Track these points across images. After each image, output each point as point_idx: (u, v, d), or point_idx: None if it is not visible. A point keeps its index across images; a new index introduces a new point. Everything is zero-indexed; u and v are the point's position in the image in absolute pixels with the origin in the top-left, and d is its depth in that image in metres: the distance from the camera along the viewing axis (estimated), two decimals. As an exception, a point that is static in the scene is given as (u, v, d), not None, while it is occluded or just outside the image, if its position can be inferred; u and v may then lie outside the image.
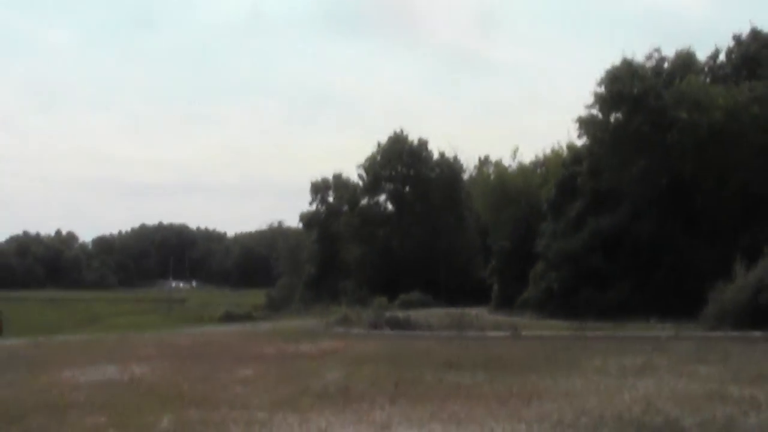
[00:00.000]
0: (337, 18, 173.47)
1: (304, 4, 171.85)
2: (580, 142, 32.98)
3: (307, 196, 58.29)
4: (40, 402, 10.15)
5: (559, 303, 28.77)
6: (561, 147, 37.90)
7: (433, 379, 11.75)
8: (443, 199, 53.01)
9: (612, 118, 29.94)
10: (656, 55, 30.50)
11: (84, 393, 10.97)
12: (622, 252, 28.29)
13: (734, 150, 27.36)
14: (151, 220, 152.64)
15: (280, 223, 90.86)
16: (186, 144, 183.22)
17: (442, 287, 46.56)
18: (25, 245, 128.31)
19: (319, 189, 58.01)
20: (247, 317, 40.25)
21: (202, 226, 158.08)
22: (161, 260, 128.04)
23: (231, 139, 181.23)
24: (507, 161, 45.73)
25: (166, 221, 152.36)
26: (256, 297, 59.47)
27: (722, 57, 32.27)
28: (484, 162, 53.54)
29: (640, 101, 28.43)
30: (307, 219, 58.87)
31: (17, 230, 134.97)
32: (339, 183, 57.40)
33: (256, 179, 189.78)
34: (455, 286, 46.27)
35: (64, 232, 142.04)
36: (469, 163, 55.96)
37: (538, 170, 40.78)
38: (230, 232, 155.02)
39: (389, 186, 54.88)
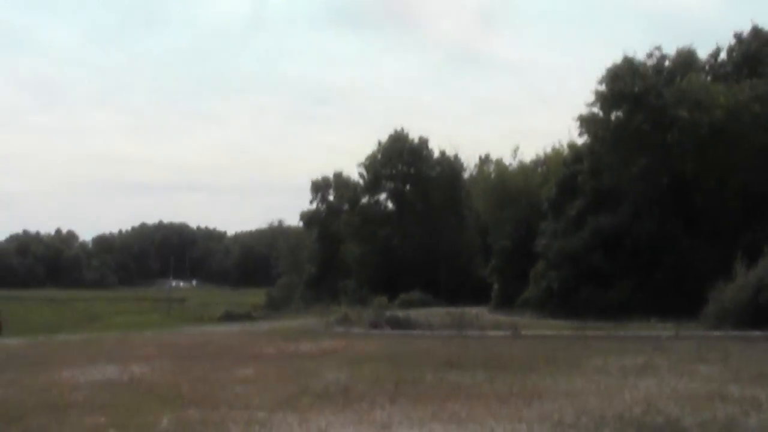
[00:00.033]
0: (339, 16, 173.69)
1: (306, 3, 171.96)
2: (580, 141, 32.99)
3: (308, 195, 58.34)
4: (39, 402, 10.13)
5: (560, 302, 28.75)
6: (562, 145, 37.90)
7: (434, 379, 11.73)
8: (444, 197, 52.96)
9: (613, 117, 29.90)
10: (657, 53, 30.51)
11: (84, 393, 10.95)
12: (623, 251, 28.26)
13: (735, 149, 27.33)
14: (152, 219, 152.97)
15: (280, 222, 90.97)
16: (187, 142, 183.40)
17: (442, 286, 46.53)
18: (25, 244, 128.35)
19: (319, 188, 57.98)
20: (247, 317, 40.25)
21: (203, 225, 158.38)
22: (161, 259, 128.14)
23: (232, 138, 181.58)
24: (507, 160, 45.72)
25: (166, 220, 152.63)
26: (256, 296, 59.49)
27: (723, 55, 32.25)
28: (484, 161, 53.50)
29: (640, 100, 28.39)
30: (308, 218, 58.84)
31: (17, 229, 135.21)
32: (339, 182, 57.37)
33: (256, 178, 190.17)
34: (455, 286, 46.24)
35: (64, 231, 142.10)
36: (469, 161, 55.99)
37: (539, 169, 40.72)
38: (230, 232, 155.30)
39: (390, 185, 54.84)
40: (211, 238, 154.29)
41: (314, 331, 23.29)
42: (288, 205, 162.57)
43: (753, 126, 27.18)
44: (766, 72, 29.26)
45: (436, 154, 55.18)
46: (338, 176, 57.55)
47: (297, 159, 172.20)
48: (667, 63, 30.54)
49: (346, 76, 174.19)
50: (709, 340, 17.75)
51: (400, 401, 9.58)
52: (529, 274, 32.19)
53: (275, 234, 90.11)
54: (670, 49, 30.96)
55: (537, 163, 42.09)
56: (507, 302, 34.04)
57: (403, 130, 55.08)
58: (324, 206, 57.93)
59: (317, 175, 58.08)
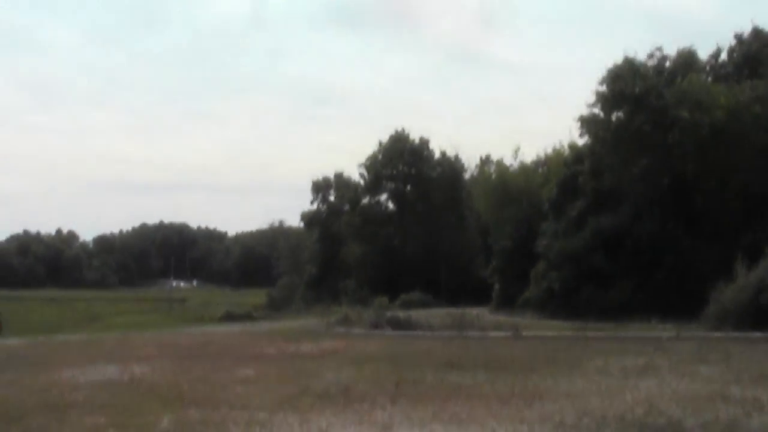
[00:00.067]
0: (339, 16, 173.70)
1: (306, 2, 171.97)
2: (581, 142, 32.98)
3: (309, 195, 58.33)
4: (39, 402, 10.12)
5: (560, 303, 28.74)
6: (562, 146, 37.90)
7: (435, 380, 11.72)
8: (444, 198, 52.95)
9: (613, 117, 29.90)
10: (658, 53, 30.50)
11: (84, 393, 10.94)
12: (624, 252, 28.25)
13: (736, 150, 27.32)
14: (152, 219, 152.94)
15: (281, 222, 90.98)
16: (187, 142, 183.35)
17: (443, 287, 46.51)
18: (25, 244, 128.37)
19: (320, 188, 57.98)
20: (247, 317, 40.23)
21: (203, 226, 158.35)
22: (162, 260, 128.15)
23: (232, 138, 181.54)
24: (508, 160, 45.75)
25: (166, 220, 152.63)
26: (257, 297, 59.45)
27: (724, 56, 32.25)
28: (485, 161, 53.52)
29: (641, 100, 28.39)
30: (308, 218, 58.83)
31: (18, 229, 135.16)
32: (340, 182, 57.37)
33: (256, 178, 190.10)
34: (456, 286, 46.21)
35: (64, 231, 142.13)
36: (470, 162, 56.01)
37: (540, 169, 40.71)
38: (231, 232, 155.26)
39: (390, 185, 54.83)
40: (212, 238, 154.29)
41: (315, 331, 23.29)
42: (288, 206, 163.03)
43: (754, 127, 27.17)
44: (767, 73, 29.25)
45: (437, 154, 55.25)
46: (339, 177, 57.55)
47: (297, 159, 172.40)
48: (667, 64, 30.53)
49: (346, 76, 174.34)
50: (709, 341, 17.72)
51: (400, 402, 9.56)
52: (529, 274, 32.18)
53: (276, 234, 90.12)
54: (671, 50, 31.03)
55: (538, 163, 42.11)
56: (508, 303, 34.03)
57: (403, 130, 55.16)
58: (325, 207, 57.93)
59: (318, 176, 58.16)
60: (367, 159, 54.62)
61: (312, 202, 58.30)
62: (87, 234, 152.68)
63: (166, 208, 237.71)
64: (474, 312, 25.81)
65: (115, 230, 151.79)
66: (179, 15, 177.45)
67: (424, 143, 54.99)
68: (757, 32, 31.28)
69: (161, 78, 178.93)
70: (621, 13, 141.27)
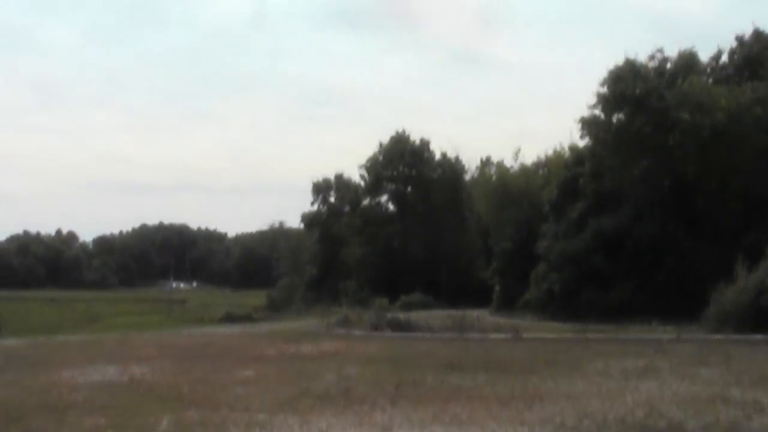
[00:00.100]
0: (340, 16, 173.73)
1: (306, 3, 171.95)
2: (582, 143, 32.98)
3: (309, 196, 58.29)
4: (39, 402, 10.11)
5: (561, 304, 28.72)
6: (563, 148, 37.89)
7: (435, 381, 11.70)
8: (445, 199, 52.91)
9: (614, 119, 29.91)
10: (659, 55, 30.51)
11: (83, 393, 10.93)
12: (624, 253, 28.24)
13: (736, 151, 27.33)
14: (152, 220, 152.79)
15: (281, 223, 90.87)
16: (187, 143, 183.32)
17: (443, 288, 46.47)
18: (25, 245, 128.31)
19: (320, 189, 57.95)
20: (247, 318, 40.17)
21: (203, 227, 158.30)
22: (162, 260, 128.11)
23: (232, 139, 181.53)
24: (509, 162, 45.72)
25: (166, 221, 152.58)
26: (257, 298, 59.41)
27: (725, 58, 32.26)
28: (486, 163, 53.49)
29: (642, 102, 28.40)
30: (309, 219, 58.79)
31: (17, 230, 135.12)
32: (340, 183, 57.35)
33: (257, 179, 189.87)
34: (456, 287, 46.16)
35: (64, 232, 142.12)
36: (471, 163, 55.96)
37: (540, 171, 40.70)
38: (231, 233, 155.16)
39: (391, 186, 54.79)
40: (212, 239, 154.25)
41: (315, 332, 23.27)
42: (288, 207, 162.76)
43: (754, 128, 27.18)
44: (767, 75, 29.27)
45: (438, 156, 55.19)
46: (339, 178, 57.53)
47: (298, 160, 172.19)
48: (668, 65, 30.54)
49: (346, 76, 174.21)
50: (710, 342, 17.71)
51: (401, 403, 9.55)
52: (530, 276, 32.17)
53: (276, 235, 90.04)
54: (672, 52, 31.02)
55: (538, 165, 42.09)
56: (508, 304, 34.01)
57: (404, 131, 55.11)
58: (325, 208, 57.89)
59: (318, 177, 58.09)
60: (368, 160, 54.62)
61: (312, 203, 58.30)
62: (87, 234, 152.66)
63: (166, 208, 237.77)
64: (474, 314, 25.79)
65: (115, 231, 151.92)
66: (179, 15, 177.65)
67: (424, 144, 54.98)
68: (758, 34, 31.30)
69: (161, 78, 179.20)
70: (622, 14, 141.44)
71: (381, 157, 54.19)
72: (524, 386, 10.93)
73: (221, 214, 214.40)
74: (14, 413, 9.29)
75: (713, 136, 27.16)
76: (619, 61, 29.51)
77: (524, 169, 43.09)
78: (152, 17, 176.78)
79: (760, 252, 21.64)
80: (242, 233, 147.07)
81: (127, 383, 12.19)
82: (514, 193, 39.71)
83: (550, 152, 40.61)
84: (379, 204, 55.90)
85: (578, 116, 30.53)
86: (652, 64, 30.19)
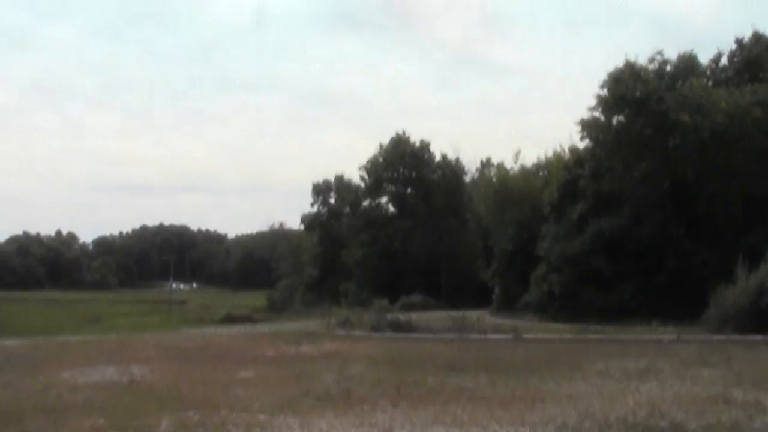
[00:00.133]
0: (341, 18, 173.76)
1: (307, 4, 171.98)
2: (582, 145, 32.97)
3: (309, 198, 58.30)
4: (38, 403, 10.08)
5: (561, 305, 28.72)
6: (563, 149, 37.82)
7: (436, 382, 11.68)
8: (445, 201, 52.94)
9: (614, 121, 29.93)
10: (659, 57, 30.53)
11: (83, 394, 10.91)
12: (624, 255, 28.24)
13: (736, 153, 27.36)
14: (152, 221, 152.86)
15: (281, 224, 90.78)
16: (188, 144, 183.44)
17: (443, 289, 46.47)
18: (25, 246, 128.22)
19: (320, 190, 57.96)
20: (247, 319, 40.11)
21: (203, 228, 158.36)
22: (162, 262, 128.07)
23: (233, 139, 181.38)
24: (509, 163, 45.64)
25: (167, 222, 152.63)
26: (257, 299, 59.33)
27: (724, 60, 32.34)
28: (486, 164, 53.48)
29: (642, 104, 28.42)
30: (309, 221, 58.81)
31: (17, 230, 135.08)
32: (341, 184, 57.36)
33: (257, 180, 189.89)
34: (456, 288, 46.17)
35: (64, 233, 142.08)
36: (471, 165, 55.99)
37: (540, 173, 40.67)
38: (231, 234, 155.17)
39: (391, 188, 54.82)
40: (212, 240, 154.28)
41: (315, 333, 23.23)
42: (289, 208, 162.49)
43: (754, 130, 27.21)
44: (767, 77, 29.30)
45: (438, 157, 55.23)
46: (339, 179, 57.55)
47: (298, 161, 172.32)
48: (668, 68, 30.56)
49: (347, 77, 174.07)
50: (710, 343, 17.70)
51: (401, 404, 9.53)
52: (530, 277, 32.16)
53: (276, 236, 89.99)
54: (672, 54, 31.06)
55: (538, 166, 42.02)
56: (508, 305, 34.00)
57: (404, 133, 55.16)
58: (325, 209, 57.91)
59: (318, 178, 58.17)
60: (368, 161, 54.65)
61: (312, 205, 58.35)
62: (87, 235, 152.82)
63: (166, 209, 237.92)
64: (474, 315, 25.77)
65: (115, 232, 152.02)
66: (180, 16, 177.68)
67: (424, 146, 55.01)
68: (757, 37, 31.39)
69: (162, 79, 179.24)
70: (622, 17, 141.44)
71: (381, 159, 54.22)
72: (525, 387, 10.91)
73: (221, 216, 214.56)
74: (13, 414, 9.27)
75: (713, 138, 27.18)
76: (619, 63, 29.61)
77: (524, 171, 43.03)
78: (153, 18, 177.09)
79: (760, 253, 21.65)
80: (242, 234, 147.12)
81: (127, 384, 12.17)
82: (515, 194, 39.68)
83: (550, 154, 40.56)
84: (379, 205, 55.93)
85: (578, 118, 30.62)
86: (652, 67, 30.22)
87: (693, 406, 9.00)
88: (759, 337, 18.10)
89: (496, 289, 38.28)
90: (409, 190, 54.61)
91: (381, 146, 54.69)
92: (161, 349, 18.86)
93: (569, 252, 29.54)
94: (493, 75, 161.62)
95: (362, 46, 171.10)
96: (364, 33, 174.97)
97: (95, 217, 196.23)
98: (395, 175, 54.32)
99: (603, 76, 29.50)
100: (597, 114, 30.03)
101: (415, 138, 55.10)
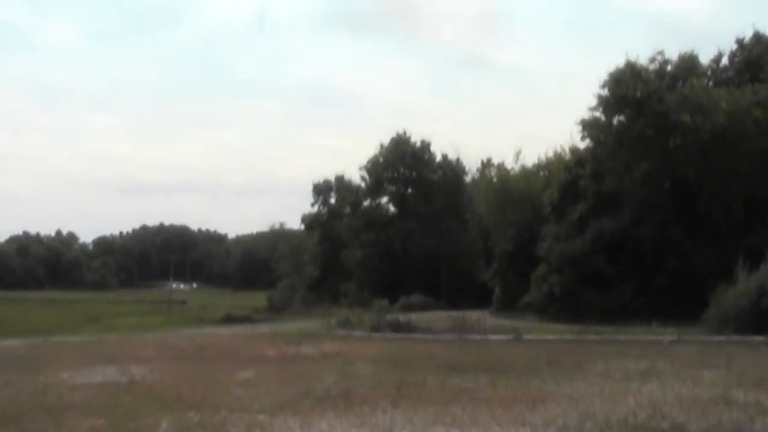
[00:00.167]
0: (342, 19, 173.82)
1: (308, 5, 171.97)
2: (582, 145, 32.94)
3: (309, 198, 58.24)
4: (37, 403, 10.06)
5: (561, 306, 28.69)
6: (564, 150, 37.77)
7: (436, 383, 11.66)
8: (445, 201, 52.91)
9: (615, 121, 29.89)
10: (659, 58, 30.50)
11: (82, 394, 10.88)
12: (625, 255, 28.22)
13: (737, 154, 27.34)
14: (152, 221, 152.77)
15: (281, 224, 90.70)
16: (188, 144, 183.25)
17: (443, 290, 46.43)
18: (25, 245, 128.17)
19: (321, 190, 57.90)
20: (247, 319, 40.07)
21: (203, 228, 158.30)
22: (162, 262, 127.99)
23: (233, 140, 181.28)
24: (510, 164, 45.57)
25: (167, 222, 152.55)
26: (257, 299, 59.29)
27: (725, 60, 32.32)
28: (486, 164, 53.44)
29: (643, 104, 28.38)
30: (309, 221, 58.75)
31: (17, 230, 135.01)
32: (341, 184, 57.30)
33: (257, 180, 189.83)
34: (457, 289, 46.13)
35: (64, 233, 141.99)
36: (471, 165, 55.94)
37: (541, 173, 40.63)
38: (231, 234, 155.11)
39: (391, 188, 54.77)
40: (212, 240, 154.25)
41: (315, 333, 23.21)
42: (289, 208, 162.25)
43: (754, 131, 27.19)
44: (768, 77, 29.31)
45: (438, 157, 55.18)
46: (340, 179, 57.48)
47: (298, 161, 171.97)
48: (669, 68, 30.53)
49: (347, 78, 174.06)
50: (711, 344, 17.70)
51: (402, 404, 9.51)
52: (530, 277, 32.12)
53: (276, 237, 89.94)
54: (673, 54, 31.03)
55: (539, 167, 41.97)
56: (508, 306, 33.97)
57: (405, 133, 55.11)
58: (325, 209, 57.84)
59: (319, 178, 58.08)
60: (369, 161, 54.60)
61: (313, 205, 58.25)
62: (87, 235, 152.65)
63: (166, 209, 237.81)
64: (474, 316, 25.74)
65: (115, 232, 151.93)
66: (181, 18, 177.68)
67: (425, 146, 54.97)
68: (758, 37, 31.36)
69: (163, 80, 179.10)
70: (623, 17, 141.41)
71: (382, 159, 54.17)
72: (526, 387, 10.89)
73: (222, 216, 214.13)
74: (12, 414, 9.24)
75: (713, 139, 27.16)
76: (620, 63, 29.57)
77: (525, 171, 42.97)
78: (153, 19, 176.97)
79: (760, 254, 21.63)
80: (242, 234, 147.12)
81: (127, 384, 12.14)
82: (515, 194, 39.63)
83: (550, 154, 40.48)
84: (379, 205, 55.88)
85: (579, 118, 30.57)
86: (652, 67, 30.19)
87: (694, 407, 8.97)
88: (759, 338, 18.08)
89: (497, 290, 38.24)
90: (409, 190, 54.57)
91: (381, 146, 54.67)
92: (161, 349, 18.84)
93: (570, 252, 29.51)
94: (494, 75, 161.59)
95: (363, 47, 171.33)
96: (365, 34, 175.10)
97: (95, 217, 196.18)
98: (396, 175, 54.28)
99: (603, 76, 29.52)
100: (597, 114, 30.02)
101: (416, 138, 55.14)
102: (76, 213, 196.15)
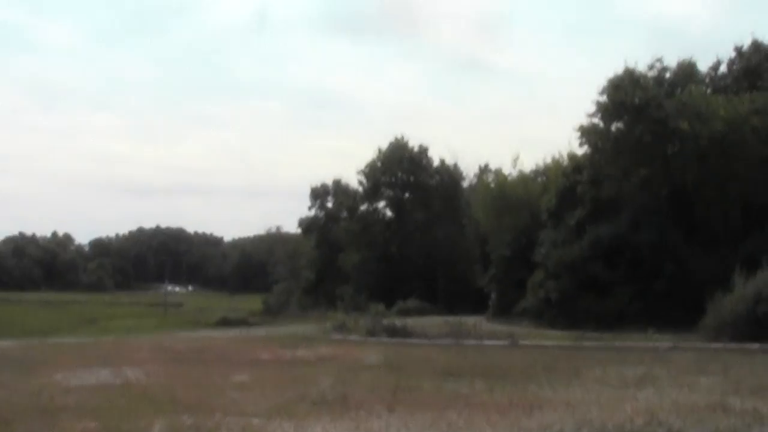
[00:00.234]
0: (341, 22, 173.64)
1: (308, 7, 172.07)
2: (581, 151, 32.94)
3: (307, 201, 58.21)
4: (30, 405, 9.98)
5: (558, 312, 28.64)
6: (562, 155, 37.81)
7: (432, 388, 11.61)
8: (443, 206, 52.91)
9: (613, 128, 29.90)
10: (658, 65, 30.53)
11: (76, 396, 10.81)
12: (622, 261, 28.20)
13: (735, 161, 27.38)
14: (149, 224, 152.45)
15: (278, 228, 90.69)
16: (185, 146, 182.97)
17: (439, 294, 46.36)
18: (21, 247, 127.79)
19: (318, 194, 57.87)
20: (243, 322, 39.94)
21: (200, 231, 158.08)
22: (158, 264, 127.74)
23: (230, 142, 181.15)
24: (507, 169, 45.61)
25: (163, 225, 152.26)
26: (254, 302, 59.19)
27: (723, 68, 32.41)
28: (484, 170, 53.44)
29: (641, 111, 28.41)
30: (306, 224, 58.69)
31: (13, 231, 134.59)
32: (338, 189, 57.27)
33: (254, 183, 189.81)
34: (453, 294, 46.05)
35: (60, 234, 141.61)
36: (469, 170, 55.94)
37: (539, 179, 40.65)
38: (228, 237, 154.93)
39: (389, 192, 54.76)
40: (208, 243, 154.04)
41: (311, 337, 23.15)
42: (286, 211, 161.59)
43: (752, 138, 27.25)
44: (766, 85, 29.40)
45: (436, 162, 55.22)
46: (337, 183, 57.46)
47: (296, 164, 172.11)
48: (667, 75, 30.58)
49: (346, 82, 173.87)
50: (707, 351, 17.69)
51: (397, 409, 9.45)
52: (526, 283, 32.08)
53: (273, 240, 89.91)
54: (671, 61, 31.07)
55: (537, 172, 42.01)
56: (504, 311, 33.90)
57: (403, 137, 55.14)
58: (322, 213, 57.80)
59: (316, 182, 58.04)
60: (366, 166, 54.60)
61: (310, 208, 58.21)
62: (83, 237, 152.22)
63: (163, 212, 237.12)
64: (471, 321, 25.70)
65: (112, 234, 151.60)
66: (180, 18, 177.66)
67: (423, 151, 54.99)
68: (756, 45, 31.46)
69: (161, 81, 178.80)
70: (622, 24, 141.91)
71: (379, 163, 54.17)
72: (522, 393, 10.84)
73: (218, 219, 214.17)
74: (4, 416, 9.16)
75: (712, 146, 27.21)
76: (619, 69, 29.56)
77: (523, 177, 42.99)
78: (153, 20, 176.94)
79: (757, 261, 21.62)
80: (239, 237, 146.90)
81: (121, 386, 12.07)
82: (513, 200, 39.62)
83: (548, 160, 40.49)
84: (376, 210, 55.85)
85: (577, 124, 30.57)
86: (651, 74, 30.23)
87: (691, 414, 8.93)
88: (756, 346, 18.06)
89: (493, 295, 38.18)
90: (406, 194, 54.57)
91: (379, 151, 54.68)
92: (156, 352, 18.76)
93: (567, 258, 29.48)
94: (492, 80, 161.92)
95: (362, 50, 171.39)
96: (364, 37, 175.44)
97: (91, 219, 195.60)
98: (393, 179, 54.27)
99: (602, 82, 29.54)
100: (596, 120, 30.02)
101: (414, 143, 55.16)
102: (72, 214, 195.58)
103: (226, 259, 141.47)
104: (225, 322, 39.30)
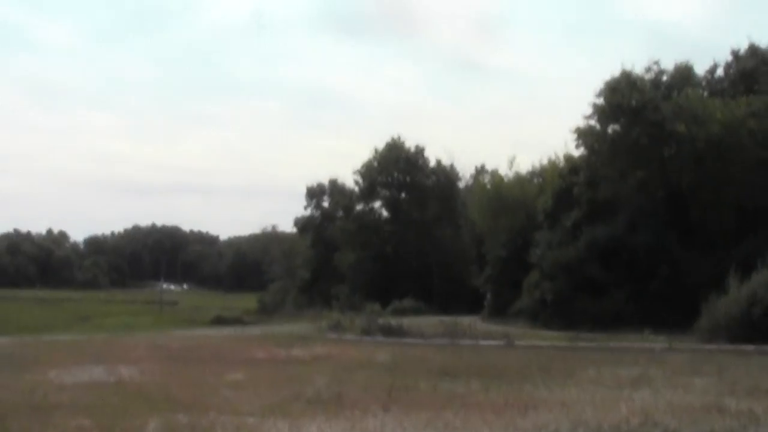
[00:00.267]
0: (339, 21, 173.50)
1: (308, 7, 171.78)
2: (577, 153, 32.99)
3: (303, 201, 58.15)
4: (23, 402, 9.93)
5: (553, 312, 28.67)
6: (558, 157, 37.84)
7: (427, 387, 11.60)
8: (439, 206, 52.94)
9: (610, 130, 29.95)
10: (655, 67, 30.60)
11: (69, 394, 10.76)
12: (618, 263, 28.25)
13: (731, 163, 27.46)
14: (144, 222, 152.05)
15: (274, 227, 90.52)
16: (182, 145, 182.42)
17: (435, 294, 46.36)
18: (16, 244, 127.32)
19: (314, 194, 57.83)
20: (237, 321, 39.88)
21: (196, 229, 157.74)
22: (153, 262, 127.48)
23: (227, 141, 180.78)
24: (504, 170, 45.63)
25: (159, 223, 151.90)
26: (249, 301, 59.12)
27: (720, 71, 32.50)
28: (480, 171, 53.50)
29: (638, 113, 28.47)
30: (302, 224, 58.65)
31: (8, 228, 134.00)
32: (335, 188, 57.25)
33: (251, 182, 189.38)
34: (448, 294, 46.08)
35: (55, 231, 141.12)
36: (465, 171, 55.99)
37: (535, 180, 40.69)
38: (223, 236, 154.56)
39: (385, 192, 54.75)
40: (204, 241, 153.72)
41: (306, 336, 23.12)
42: (282, 210, 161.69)
43: (749, 141, 27.34)
44: (762, 89, 29.47)
45: (432, 163, 55.22)
46: (333, 183, 57.44)
47: (292, 164, 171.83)
48: (664, 77, 30.65)
49: (343, 81, 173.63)
50: (702, 352, 17.74)
51: (393, 409, 9.43)
52: (522, 284, 32.10)
53: (269, 239, 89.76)
54: (668, 64, 31.14)
55: (533, 174, 42.04)
56: (499, 312, 33.93)
57: (399, 138, 55.12)
58: (318, 212, 57.77)
59: (312, 181, 58.00)
60: (362, 166, 54.57)
61: (306, 208, 58.16)
62: (78, 234, 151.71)
63: (158, 210, 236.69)
64: (466, 321, 25.71)
65: (107, 231, 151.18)
66: (178, 18, 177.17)
67: (419, 151, 54.99)
68: (753, 49, 31.56)
69: (158, 80, 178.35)
70: (619, 26, 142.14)
71: (376, 163, 54.15)
72: (518, 393, 10.84)
73: (214, 217, 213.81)
74: (-2, 412, 9.11)
75: (708, 148, 27.28)
76: (616, 72, 29.64)
77: (519, 178, 43.02)
78: (153, 20, 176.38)
79: (752, 263, 21.68)
80: (235, 236, 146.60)
81: (115, 384, 12.02)
82: (509, 201, 39.65)
83: (545, 161, 40.52)
84: (372, 210, 55.83)
85: (574, 126, 30.62)
86: (648, 76, 30.29)
87: (686, 415, 8.94)
88: (750, 347, 18.11)
89: (488, 296, 38.20)
90: (402, 195, 54.57)
91: (376, 150, 54.65)
92: (151, 350, 18.70)
93: (563, 259, 29.52)
94: (489, 81, 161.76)
95: (360, 50, 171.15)
96: (362, 37, 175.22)
97: (87, 216, 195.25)
98: (389, 179, 54.25)
99: (599, 84, 29.59)
100: (593, 122, 30.07)
101: (410, 143, 55.17)
102: (68, 212, 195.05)
103: (222, 257, 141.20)
104: (220, 321, 39.23)
